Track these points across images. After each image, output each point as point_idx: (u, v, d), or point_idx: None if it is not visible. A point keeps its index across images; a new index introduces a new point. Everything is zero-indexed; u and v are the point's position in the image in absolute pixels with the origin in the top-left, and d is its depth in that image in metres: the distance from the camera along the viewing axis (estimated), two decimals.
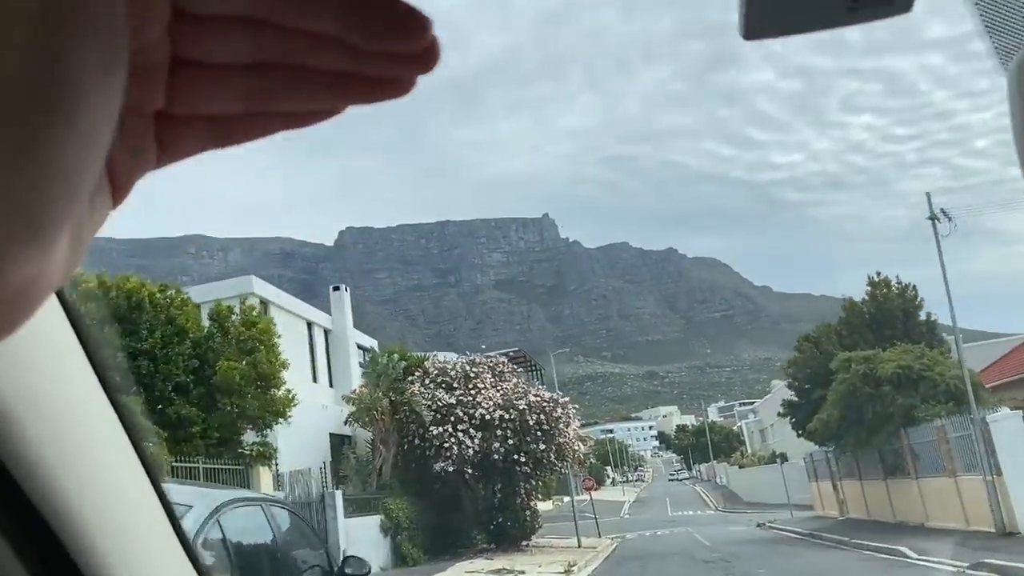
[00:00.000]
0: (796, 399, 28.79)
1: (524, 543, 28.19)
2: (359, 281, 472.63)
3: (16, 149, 0.29)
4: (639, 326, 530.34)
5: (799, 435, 29.81)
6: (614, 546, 32.61)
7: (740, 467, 61.72)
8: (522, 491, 27.93)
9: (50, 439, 0.81)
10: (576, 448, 28.26)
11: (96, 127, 0.31)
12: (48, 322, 0.82)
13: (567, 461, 28.60)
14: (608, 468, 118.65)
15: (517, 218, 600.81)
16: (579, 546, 30.26)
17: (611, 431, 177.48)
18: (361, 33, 0.35)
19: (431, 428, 25.80)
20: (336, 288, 33.07)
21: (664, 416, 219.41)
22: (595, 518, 38.37)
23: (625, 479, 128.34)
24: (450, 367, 28.48)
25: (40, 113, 0.29)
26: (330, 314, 32.34)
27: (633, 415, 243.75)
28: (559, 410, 27.45)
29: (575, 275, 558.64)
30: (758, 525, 37.10)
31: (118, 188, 0.36)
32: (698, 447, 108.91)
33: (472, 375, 27.96)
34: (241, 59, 0.37)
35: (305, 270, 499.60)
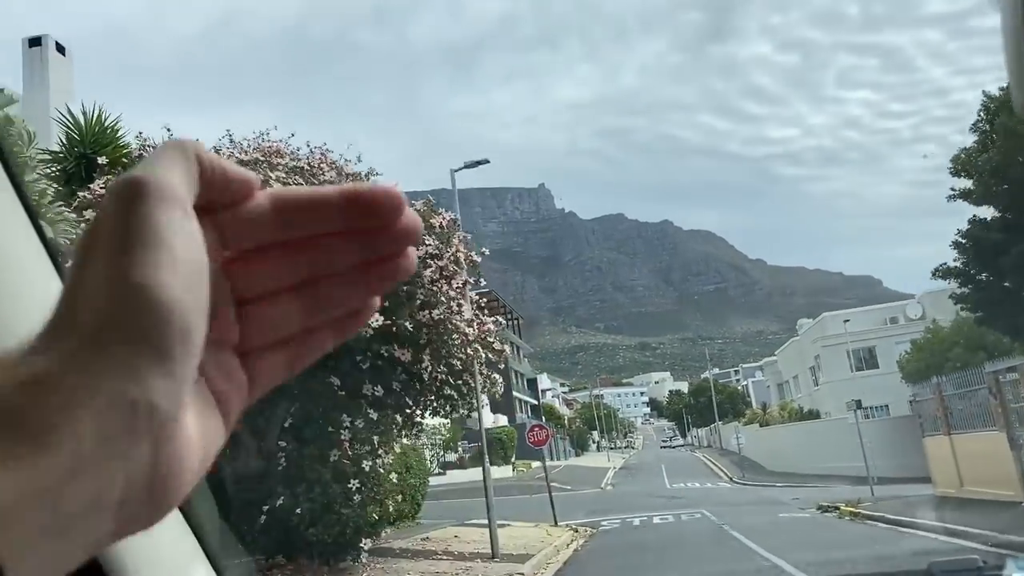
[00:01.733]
0: (989, 233, 12.22)
1: (350, 555, 11.78)
2: None
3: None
4: (633, 297, 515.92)
5: (977, 321, 13.34)
6: (571, 549, 16.53)
7: (761, 425, 45.80)
8: (348, 439, 11.62)
9: None
10: (475, 341, 12.05)
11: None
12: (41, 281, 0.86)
13: (463, 371, 12.34)
14: (594, 433, 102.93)
15: (513, 188, 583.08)
16: (494, 557, 14.16)
17: (600, 396, 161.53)
18: (363, 217, 0.39)
19: None
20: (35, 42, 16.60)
21: (656, 382, 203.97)
22: (548, 490, 22.35)
23: (612, 445, 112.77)
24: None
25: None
26: None
27: (624, 381, 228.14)
28: (437, 259, 11.10)
29: (570, 246, 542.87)
30: (823, 509, 21.17)
31: (226, 417, 0.37)
32: (697, 408, 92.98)
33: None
34: (288, 281, 0.41)
35: None
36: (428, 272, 10.69)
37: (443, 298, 11.01)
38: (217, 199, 0.39)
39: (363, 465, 11.42)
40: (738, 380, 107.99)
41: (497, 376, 14.55)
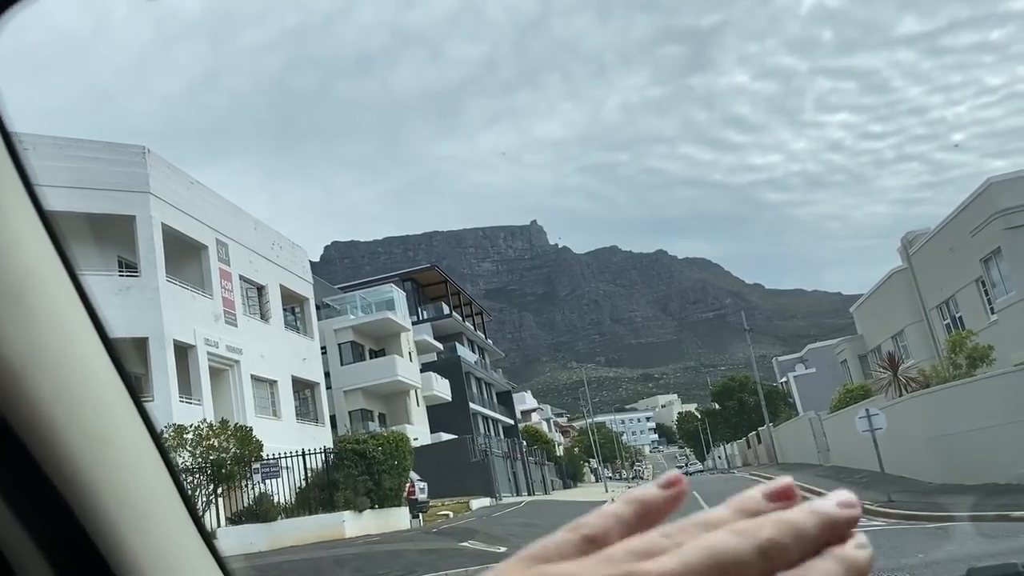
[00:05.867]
0: None
1: None
2: None
3: None
4: (632, 329, 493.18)
5: None
6: None
7: (904, 390, 21.83)
8: None
9: (56, 397, 0.79)
10: None
11: None
12: (52, 284, 0.81)
13: None
14: (591, 461, 79.77)
15: (505, 226, 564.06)
16: None
17: (596, 422, 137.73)
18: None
19: None
20: None
21: (663, 406, 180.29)
22: None
23: (618, 476, 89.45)
24: None
25: None
26: None
27: (628, 407, 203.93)
28: None
29: (566, 281, 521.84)
30: None
31: None
32: (723, 416, 69.83)
33: None
34: None
35: None
36: None
37: None
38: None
39: None
40: (763, 380, 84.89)
41: None
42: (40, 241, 0.80)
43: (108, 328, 0.83)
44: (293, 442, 23.29)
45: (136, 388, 0.86)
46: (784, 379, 61.63)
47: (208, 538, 0.98)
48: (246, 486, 17.76)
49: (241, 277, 27.16)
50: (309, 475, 19.47)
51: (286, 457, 19.07)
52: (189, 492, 0.92)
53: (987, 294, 24.23)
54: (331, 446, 23.40)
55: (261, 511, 17.52)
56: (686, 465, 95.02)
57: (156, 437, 0.90)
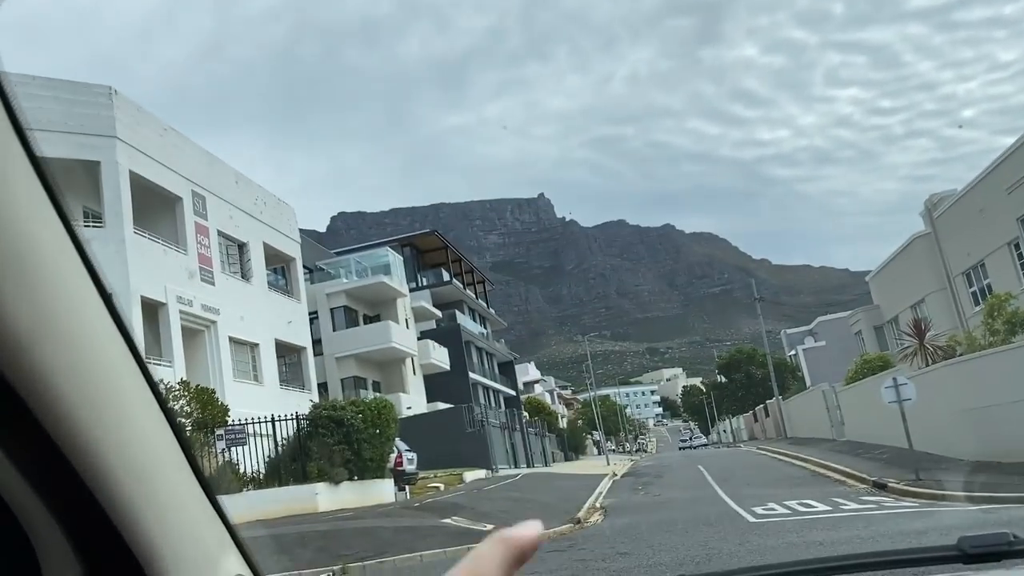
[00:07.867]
0: None
1: None
2: None
3: None
4: (638, 303, 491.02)
5: None
6: None
7: (934, 357, 19.89)
8: None
9: (62, 366, 0.76)
10: None
11: None
12: (54, 249, 0.81)
13: None
14: (594, 433, 78.46)
15: (512, 199, 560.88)
16: None
17: (607, 396, 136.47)
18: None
19: None
20: None
21: (668, 380, 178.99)
22: None
23: (621, 448, 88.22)
24: None
25: None
26: None
27: (632, 380, 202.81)
28: None
29: (573, 255, 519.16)
30: None
31: None
32: (730, 390, 68.16)
33: None
34: None
35: None
36: None
37: None
38: None
39: None
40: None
41: None
42: (41, 201, 0.73)
43: (110, 290, 0.79)
44: (276, 408, 21.66)
45: (139, 351, 0.85)
46: (793, 352, 59.87)
47: (217, 504, 0.96)
48: (209, 454, 16.19)
49: (220, 232, 25.43)
50: (282, 443, 17.88)
51: (254, 423, 17.44)
52: (197, 458, 0.93)
53: (1021, 258, 22.36)
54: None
55: (224, 482, 15.97)
56: (690, 439, 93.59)
57: (161, 401, 0.89)
